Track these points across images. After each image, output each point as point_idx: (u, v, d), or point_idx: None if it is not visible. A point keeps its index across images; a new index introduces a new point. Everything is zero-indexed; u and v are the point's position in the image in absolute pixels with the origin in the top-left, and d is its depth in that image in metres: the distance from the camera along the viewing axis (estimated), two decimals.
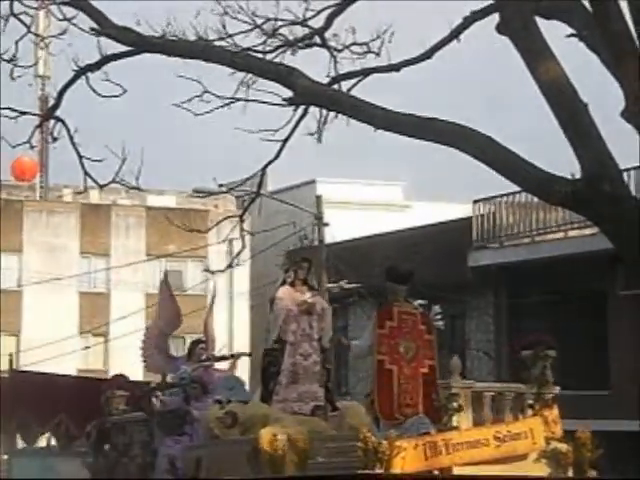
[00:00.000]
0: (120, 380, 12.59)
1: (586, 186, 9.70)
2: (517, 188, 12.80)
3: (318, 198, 25.14)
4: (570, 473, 9.44)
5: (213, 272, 13.09)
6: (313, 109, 11.33)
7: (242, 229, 12.28)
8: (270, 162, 11.79)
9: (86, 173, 11.28)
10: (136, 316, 31.09)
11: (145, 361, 12.07)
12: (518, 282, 21.60)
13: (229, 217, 12.90)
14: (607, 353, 19.82)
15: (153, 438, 11.22)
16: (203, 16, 10.99)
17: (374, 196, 32.69)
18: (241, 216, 12.38)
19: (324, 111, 11.42)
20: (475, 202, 22.72)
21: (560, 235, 20.99)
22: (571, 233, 20.62)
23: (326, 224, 24.24)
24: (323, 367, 10.53)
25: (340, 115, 10.97)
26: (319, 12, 11.35)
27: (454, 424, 9.45)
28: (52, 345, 27.50)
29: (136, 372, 14.09)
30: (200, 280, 29.17)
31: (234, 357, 12.23)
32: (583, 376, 19.16)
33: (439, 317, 9.70)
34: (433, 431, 9.16)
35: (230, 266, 13.16)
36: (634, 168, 18.43)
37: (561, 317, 20.22)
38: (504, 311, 21.93)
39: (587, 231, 19.07)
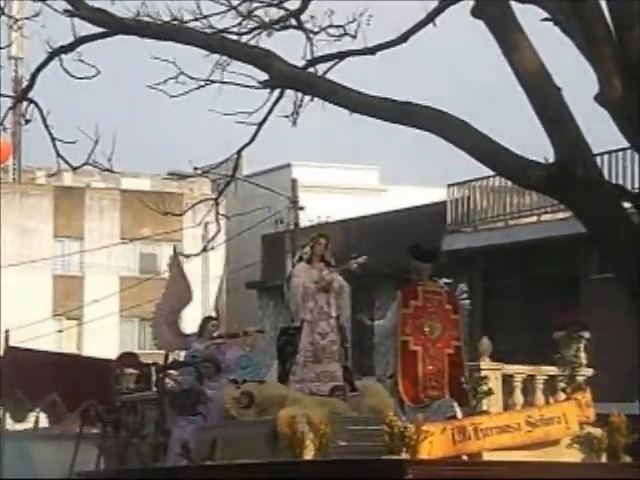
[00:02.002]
0: (130, 358, 12.31)
1: (559, 170, 9.75)
2: (491, 172, 12.85)
3: (293, 182, 25.16)
4: (604, 459, 9.13)
5: (187, 256, 13.05)
6: (289, 92, 11.30)
7: (217, 212, 12.25)
8: (245, 145, 11.75)
9: (59, 155, 11.21)
10: (110, 299, 30.99)
11: (155, 338, 11.80)
12: (492, 266, 21.72)
13: (204, 200, 12.87)
14: None
15: (165, 418, 10.96)
16: None
17: (349, 180, 32.71)
18: (216, 199, 12.35)
19: (300, 94, 11.40)
20: (449, 186, 22.80)
21: (534, 219, 21.11)
22: (544, 217, 20.74)
23: (301, 208, 24.25)
24: (341, 346, 10.23)
25: (316, 98, 10.95)
26: None
27: (484, 408, 9.12)
28: (25, 328, 27.37)
29: (110, 356, 14.01)
30: None
31: (246, 334, 12.08)
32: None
33: (465, 296, 9.41)
34: (460, 415, 8.86)
35: (204, 250, 13.13)
36: (607, 152, 18.56)
37: (534, 301, 20.35)
38: (478, 295, 22.03)
39: (560, 215, 19.19)
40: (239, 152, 11.90)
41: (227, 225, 22.20)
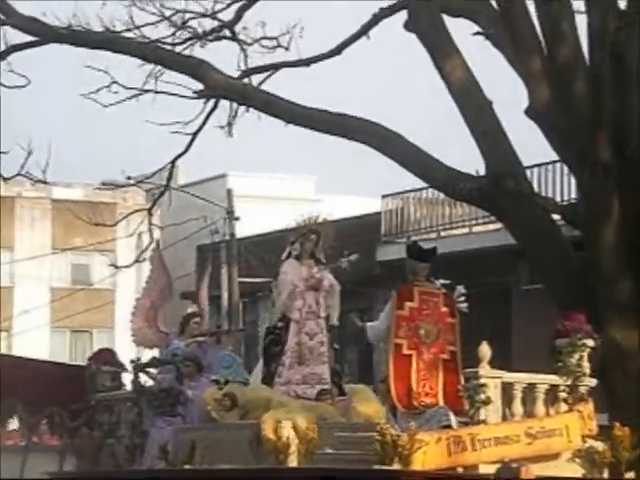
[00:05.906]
0: (107, 355, 11.72)
1: (490, 183, 9.92)
2: (425, 184, 13.00)
3: (229, 192, 25.06)
4: (605, 474, 8.56)
5: (119, 267, 12.87)
6: (224, 103, 11.31)
7: (151, 223, 12.18)
8: (180, 155, 11.74)
9: None
10: (41, 310, 30.54)
11: (134, 335, 11.27)
12: None
13: (138, 210, 12.75)
14: (510, 347, 20.25)
15: (142, 418, 10.47)
16: (110, 7, 10.87)
17: (285, 190, 32.72)
18: (150, 209, 12.29)
19: (234, 104, 11.42)
20: (384, 197, 22.95)
21: (465, 230, 21.33)
22: (476, 228, 20.96)
23: (237, 218, 24.17)
24: (330, 347, 9.76)
25: (252, 109, 10.98)
26: (228, 5, 11.34)
27: (482, 417, 8.52)
28: None
29: None
30: (107, 274, 28.80)
31: (229, 332, 11.65)
32: None
33: (463, 299, 8.88)
34: (455, 424, 8.35)
35: (137, 260, 13.01)
36: (537, 165, 18.87)
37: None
38: None
39: (491, 226, 19.41)
40: (173, 162, 11.87)
41: (163, 235, 22.05)
